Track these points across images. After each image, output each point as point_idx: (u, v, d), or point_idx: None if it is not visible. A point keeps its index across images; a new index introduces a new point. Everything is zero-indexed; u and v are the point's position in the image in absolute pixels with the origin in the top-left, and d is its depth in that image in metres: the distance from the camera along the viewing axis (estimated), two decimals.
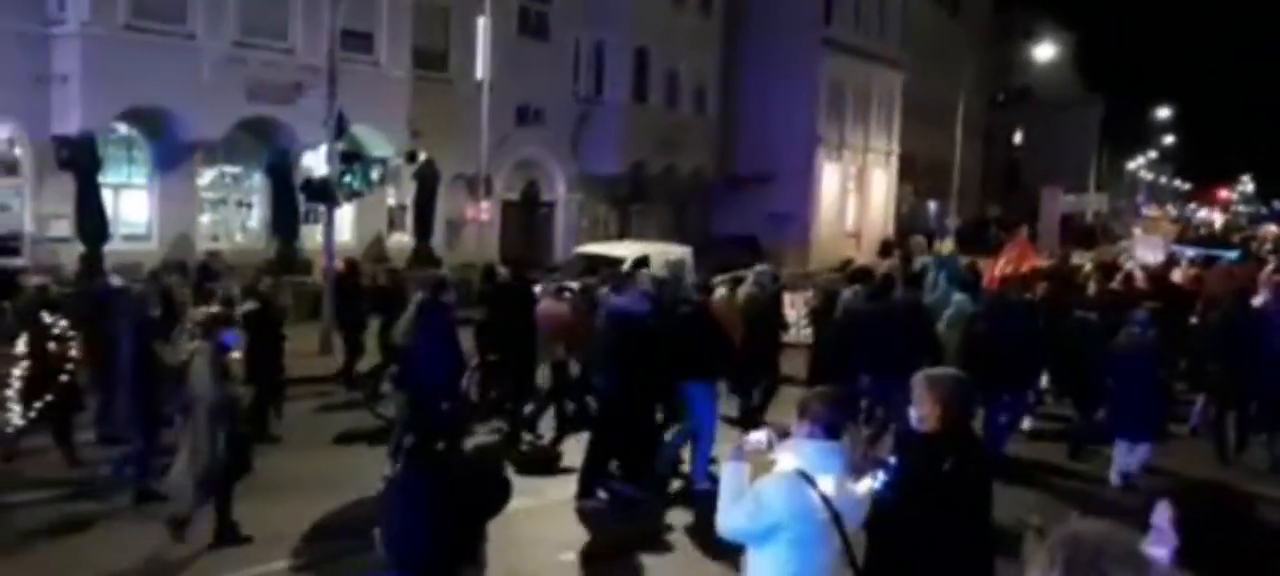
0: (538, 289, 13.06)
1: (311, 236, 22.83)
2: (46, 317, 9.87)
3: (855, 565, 4.36)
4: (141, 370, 9.04)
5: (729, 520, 4.40)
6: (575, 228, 30.40)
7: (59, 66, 19.34)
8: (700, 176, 35.70)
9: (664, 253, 21.63)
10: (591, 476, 9.80)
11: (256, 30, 21.58)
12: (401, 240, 25.64)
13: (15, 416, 9.48)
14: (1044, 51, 51.56)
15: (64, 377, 9.81)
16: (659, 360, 9.73)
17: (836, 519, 4.24)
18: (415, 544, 2.32)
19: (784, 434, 4.62)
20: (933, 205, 48.25)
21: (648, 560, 8.40)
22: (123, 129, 21.04)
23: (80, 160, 19.07)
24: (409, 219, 25.89)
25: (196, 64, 20.16)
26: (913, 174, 45.76)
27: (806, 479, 4.25)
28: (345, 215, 22.63)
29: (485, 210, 25.94)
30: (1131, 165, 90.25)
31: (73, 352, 9.87)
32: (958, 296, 12.99)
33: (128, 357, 9.12)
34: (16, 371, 9.49)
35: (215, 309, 9.05)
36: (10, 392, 9.48)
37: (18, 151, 20.08)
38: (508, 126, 27.28)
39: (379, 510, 2.43)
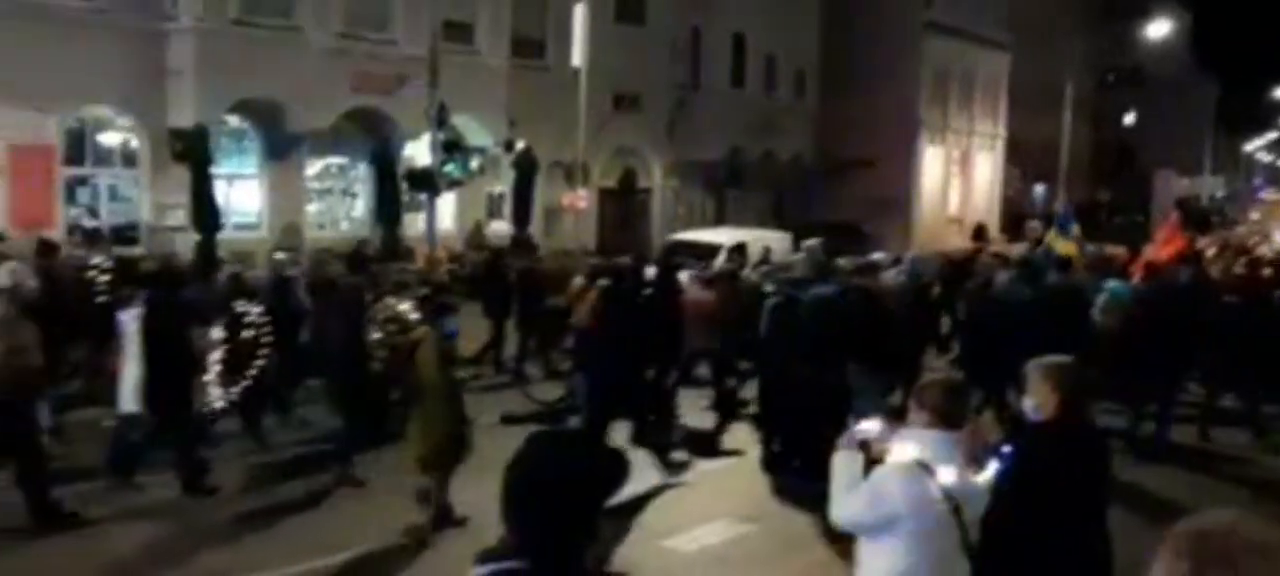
0: (683, 276, 12.98)
1: (413, 224, 23.26)
2: (241, 305, 10.05)
3: (973, 556, 4.24)
4: (353, 357, 9.33)
5: (845, 510, 4.33)
6: (671, 214, 30.37)
7: (174, 61, 20.01)
8: (799, 162, 35.37)
9: (762, 239, 21.48)
10: (780, 464, 9.89)
11: (360, 23, 22.02)
12: (500, 228, 25.92)
13: (216, 399, 9.68)
14: (1157, 29, 49.66)
15: (258, 363, 10.00)
16: (855, 348, 9.55)
17: (957, 510, 4.14)
18: (532, 520, 2.32)
19: (895, 424, 4.54)
20: (1039, 189, 46.98)
21: (751, 548, 8.35)
22: (234, 121, 21.70)
23: (194, 152, 19.70)
24: (507, 207, 26.15)
25: (303, 57, 20.65)
26: (1019, 157, 44.61)
27: (925, 469, 4.15)
28: (446, 203, 22.97)
29: (582, 197, 26.07)
30: (1248, 147, 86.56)
31: (267, 339, 10.05)
32: (1112, 283, 12.61)
33: (340, 345, 9.38)
34: (215, 356, 9.67)
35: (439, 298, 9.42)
36: (212, 376, 9.67)
37: (135, 143, 20.86)
38: (604, 113, 27.35)
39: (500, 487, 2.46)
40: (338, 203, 24.55)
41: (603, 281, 10.66)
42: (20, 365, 8.20)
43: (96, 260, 12.49)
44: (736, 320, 11.54)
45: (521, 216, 25.59)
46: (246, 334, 9.86)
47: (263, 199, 22.50)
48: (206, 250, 19.24)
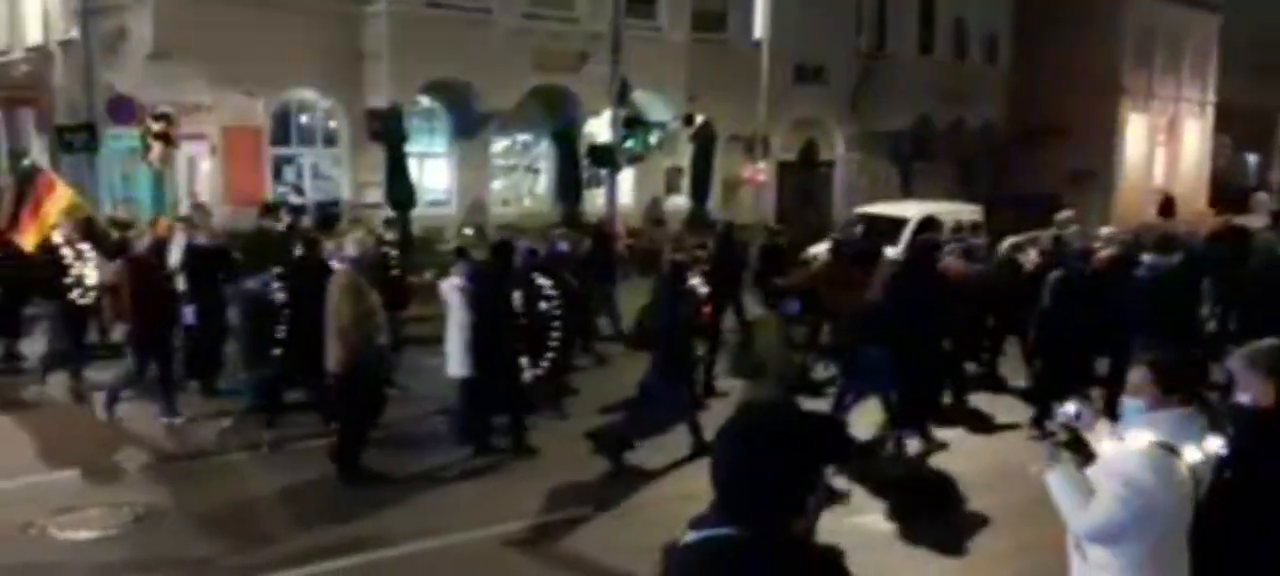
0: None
1: (593, 200, 23.58)
2: (539, 280, 10.39)
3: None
4: (680, 333, 9.60)
5: (1092, 519, 4.01)
6: (855, 187, 29.69)
7: (371, 44, 20.85)
8: (991, 131, 33.93)
9: (951, 212, 20.75)
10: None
11: (544, 2, 22.38)
12: (678, 203, 25.95)
13: (526, 372, 10.09)
14: None
15: (554, 338, 10.37)
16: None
17: (1197, 490, 3.93)
18: (743, 487, 2.30)
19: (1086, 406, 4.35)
20: (1252, 158, 43.64)
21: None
22: (425, 101, 22.45)
23: (389, 131, 20.50)
24: (686, 181, 26.14)
25: (490, 37, 21.14)
26: (1230, 125, 41.50)
27: (1170, 450, 3.92)
28: (625, 178, 23.16)
29: (762, 171, 25.80)
30: None
31: (558, 313, 10.39)
32: None
33: (668, 320, 9.57)
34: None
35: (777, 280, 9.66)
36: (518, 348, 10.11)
37: (334, 124, 21.90)
38: (786, 85, 26.92)
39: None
40: (521, 179, 25.12)
41: (892, 256, 10.62)
42: (370, 330, 8.79)
43: (388, 235, 13.21)
44: (1004, 294, 11.53)
45: (700, 191, 25.54)
46: (542, 308, 10.17)
47: (451, 177, 23.25)
48: (402, 227, 19.97)
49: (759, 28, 24.80)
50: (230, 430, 10.27)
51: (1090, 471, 4.24)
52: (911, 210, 21.05)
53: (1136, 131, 36.98)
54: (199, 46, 18.90)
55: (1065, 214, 13.87)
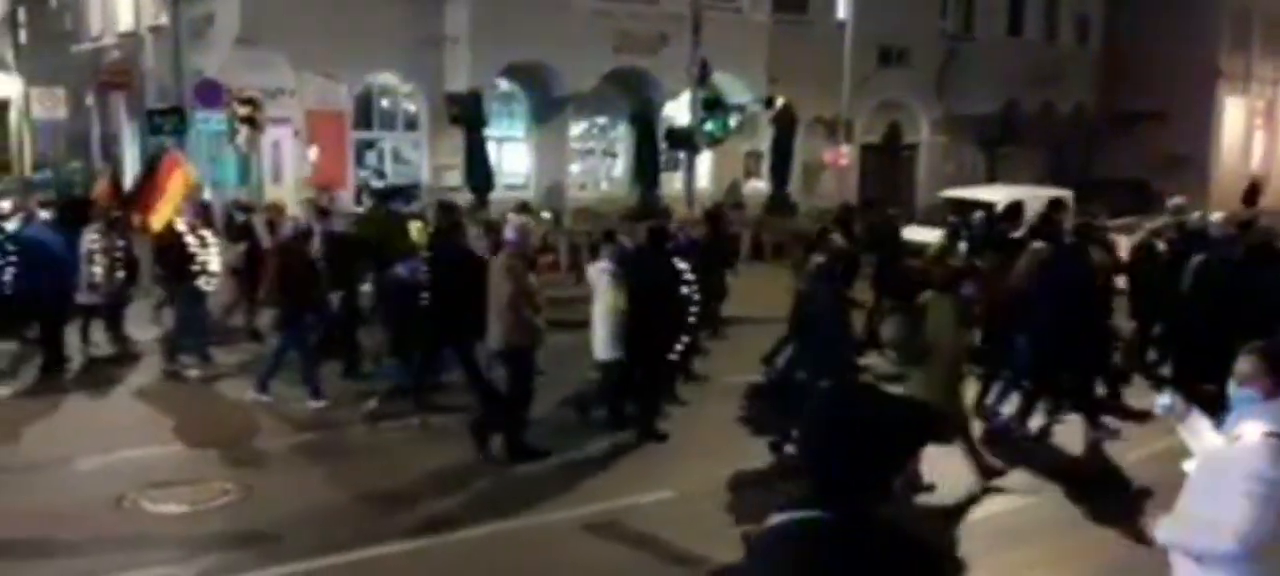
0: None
1: (670, 183, 23.45)
2: (680, 264, 10.31)
3: None
4: (841, 318, 9.59)
5: (1241, 528, 3.72)
6: (939, 171, 29.05)
7: (450, 28, 20.92)
8: (1081, 114, 32.95)
9: (1040, 197, 20.13)
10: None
11: None
12: (757, 186, 25.67)
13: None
14: None
15: (692, 318, 10.32)
16: None
17: None
18: (832, 469, 2.34)
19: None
20: None
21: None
22: (504, 85, 22.49)
23: (468, 115, 20.57)
24: (765, 165, 25.84)
25: (569, 20, 21.06)
26: None
27: None
28: (703, 162, 22.97)
29: (844, 154, 25.39)
30: None
31: (696, 296, 10.33)
32: None
33: (827, 305, 9.50)
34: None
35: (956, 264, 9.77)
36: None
37: (414, 108, 22.07)
38: (869, 67, 26.44)
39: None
40: (598, 163, 25.06)
41: (1037, 245, 10.46)
42: (533, 310, 8.89)
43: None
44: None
45: (780, 174, 25.23)
46: (682, 292, 10.06)
47: (530, 160, 23.26)
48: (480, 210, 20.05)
49: (842, 9, 24.41)
50: (370, 413, 10.28)
51: (1191, 467, 4.10)
52: (998, 195, 20.51)
53: (1233, 115, 35.65)
54: (283, 32, 19.19)
55: (1176, 200, 13.36)
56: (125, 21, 25.78)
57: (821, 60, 24.56)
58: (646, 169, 23.46)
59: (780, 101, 24.67)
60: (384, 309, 11.54)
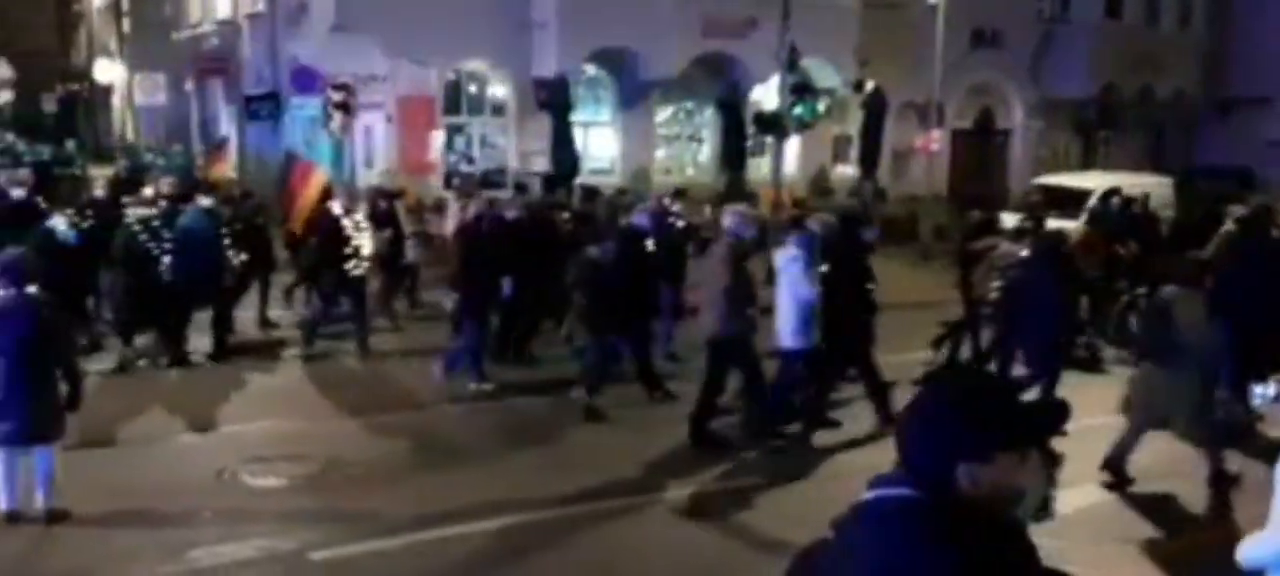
0: None
1: (757, 169, 23.30)
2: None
3: None
4: (1063, 307, 9.55)
5: None
6: (1032, 157, 28.37)
7: (539, 14, 21.05)
8: (1182, 100, 31.84)
9: (1138, 184, 19.55)
10: None
11: None
12: (845, 172, 25.36)
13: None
14: None
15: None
16: None
17: None
18: (929, 448, 2.33)
19: None
20: None
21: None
22: (591, 70, 22.55)
23: (555, 101, 20.68)
24: (854, 150, 25.50)
25: (656, 5, 21.02)
26: None
27: None
28: (790, 147, 22.75)
29: (935, 140, 24.93)
30: None
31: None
32: None
33: (1051, 295, 9.43)
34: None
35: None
36: None
37: (503, 94, 22.25)
38: (961, 51, 25.91)
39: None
40: (684, 148, 25.00)
41: (1230, 226, 10.32)
42: (747, 299, 8.91)
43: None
44: None
45: (869, 160, 24.87)
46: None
47: (616, 145, 23.29)
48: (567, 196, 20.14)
49: None
50: (585, 405, 10.08)
51: None
52: (1094, 182, 19.99)
53: None
54: (376, 19, 19.50)
55: None
56: (224, 9, 26.43)
57: (913, 42, 24.14)
58: (733, 154, 23.35)
59: (870, 85, 24.31)
60: (587, 291, 11.18)
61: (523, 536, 7.32)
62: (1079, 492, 7.98)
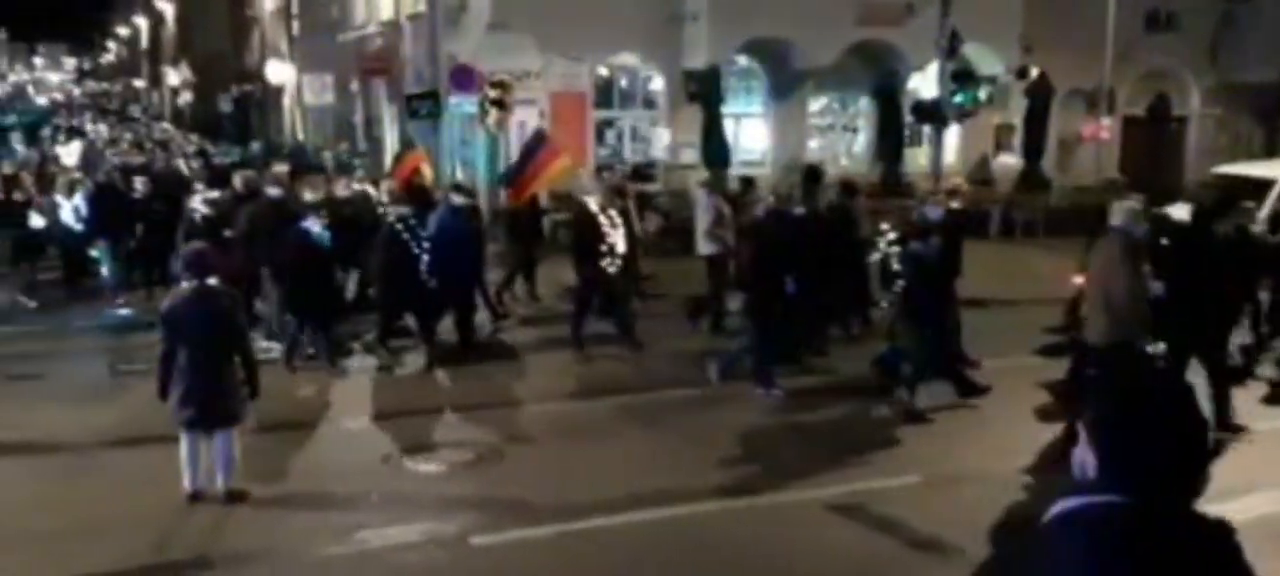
0: None
1: (914, 159, 22.72)
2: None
3: None
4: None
5: None
6: (1212, 145, 26.75)
7: (691, 6, 21.00)
8: None
9: None
10: None
11: None
12: (1007, 161, 24.45)
13: None
14: None
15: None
16: None
17: None
18: (1131, 460, 2.24)
19: None
20: None
21: None
22: (742, 61, 22.39)
23: (706, 92, 20.60)
24: (1017, 139, 24.57)
25: None
26: None
27: None
28: (949, 136, 22.07)
29: (1105, 127, 23.77)
30: None
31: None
32: None
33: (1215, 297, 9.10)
34: None
35: None
36: None
37: (654, 86, 22.33)
38: (1134, 33, 24.58)
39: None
40: (838, 138, 24.58)
41: None
42: (1142, 305, 8.23)
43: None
44: None
45: (1033, 149, 23.92)
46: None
47: (768, 136, 23.06)
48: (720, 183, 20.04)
49: None
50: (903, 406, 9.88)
51: None
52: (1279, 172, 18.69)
53: None
54: (532, 16, 19.81)
55: None
56: (387, 10, 27.34)
57: (1081, 27, 23.01)
58: (889, 144, 22.83)
59: (1035, 71, 23.36)
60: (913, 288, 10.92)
61: (672, 530, 7.32)
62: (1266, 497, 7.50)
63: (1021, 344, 11.75)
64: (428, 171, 16.88)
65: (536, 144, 15.13)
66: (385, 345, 11.45)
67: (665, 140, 22.23)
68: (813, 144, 23.73)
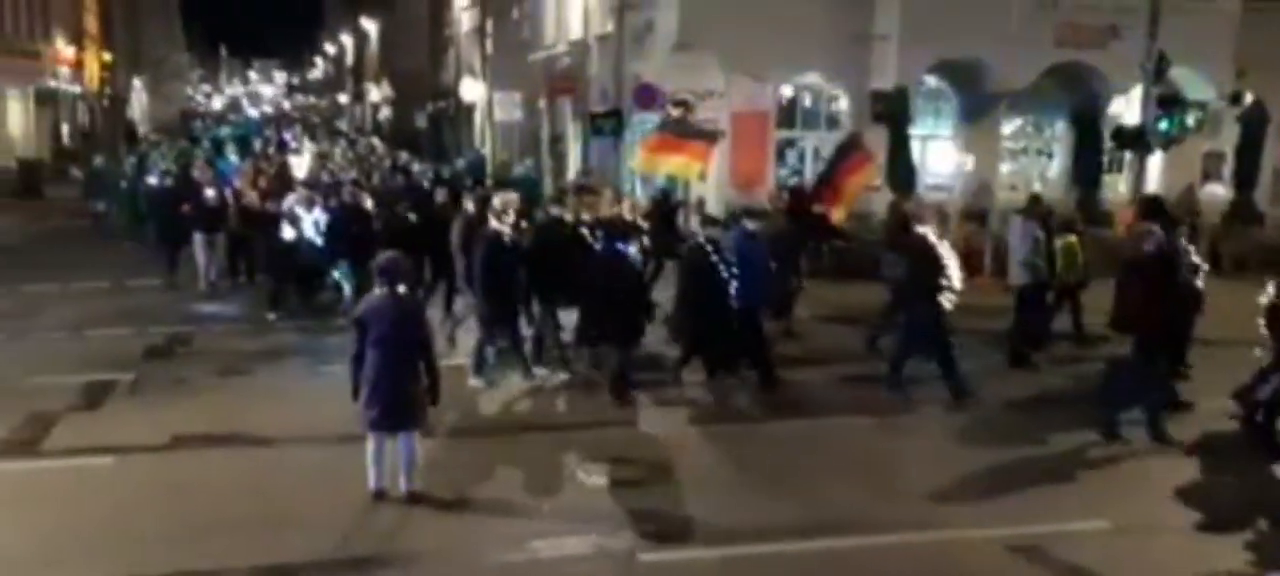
0: None
1: (1113, 186, 21.67)
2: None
3: None
4: None
5: None
6: None
7: (880, 26, 20.65)
8: None
9: None
10: None
11: None
12: (1215, 191, 22.96)
13: None
14: None
15: None
16: None
17: None
18: None
19: None
20: None
21: None
22: (932, 82, 21.87)
23: (894, 113, 20.20)
24: (1227, 168, 23.07)
25: (1008, 13, 20.03)
26: None
27: None
28: (1151, 164, 20.94)
29: None
30: None
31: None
32: None
33: None
34: None
35: None
36: None
37: (838, 106, 22.05)
38: None
39: None
40: (1032, 163, 23.72)
41: None
42: None
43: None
44: None
45: (1246, 179, 22.39)
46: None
47: (955, 159, 22.39)
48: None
49: None
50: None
51: None
52: None
53: None
54: (717, 36, 19.94)
55: None
56: (576, 30, 27.99)
57: None
58: (1087, 170, 21.85)
59: (1249, 97, 21.89)
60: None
61: (843, 562, 7.18)
62: None
63: (1222, 385, 10.98)
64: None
65: (851, 148, 14.76)
66: (678, 374, 11.04)
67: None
68: (1005, 167, 22.98)
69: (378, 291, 7.78)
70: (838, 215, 13.17)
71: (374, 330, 7.61)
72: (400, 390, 7.67)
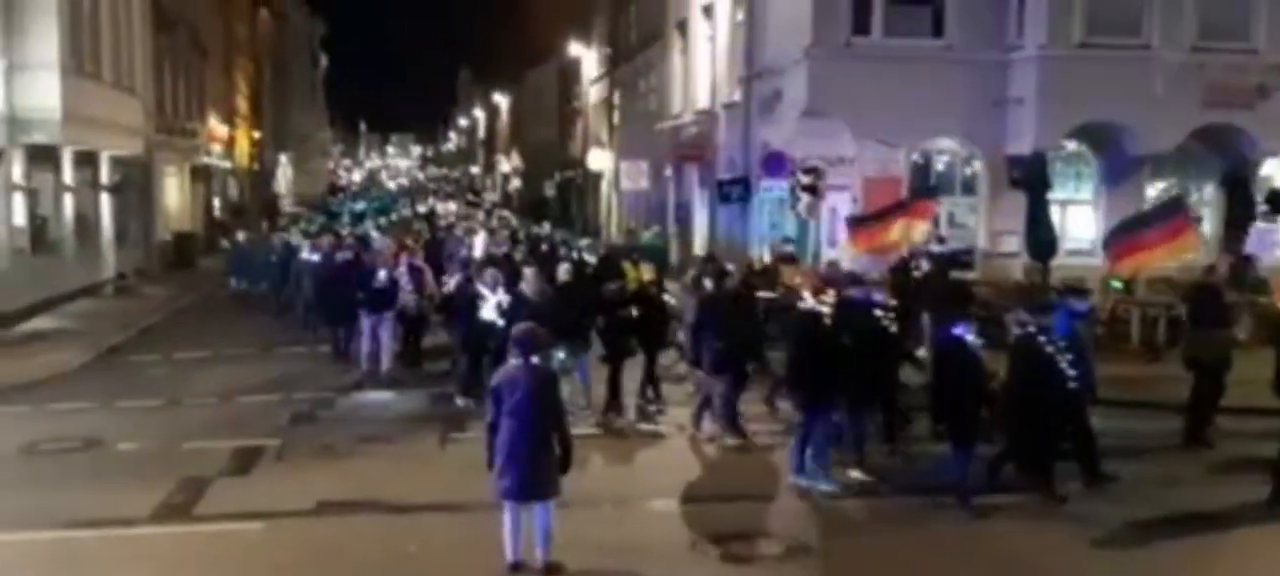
0: None
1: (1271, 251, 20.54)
2: None
3: None
4: None
5: None
6: None
7: (1015, 90, 20.17)
8: None
9: None
10: None
11: (1216, 33, 20.00)
12: None
13: None
14: None
15: None
16: None
17: None
18: None
19: None
20: None
21: None
22: (1071, 146, 21.22)
23: (1031, 179, 19.62)
24: None
25: (1150, 75, 19.37)
26: None
27: None
28: None
29: None
30: None
31: None
32: None
33: None
34: None
35: None
36: None
37: (973, 171, 21.55)
38: None
39: None
40: None
41: None
42: None
43: None
44: None
45: None
46: None
47: (1098, 224, 21.63)
48: (1042, 277, 19.05)
49: None
50: None
51: None
52: None
53: None
54: (847, 103, 19.79)
55: None
56: (703, 100, 28.24)
57: None
58: (1239, 234, 20.76)
59: None
60: None
61: None
62: None
63: None
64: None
65: (1174, 209, 14.63)
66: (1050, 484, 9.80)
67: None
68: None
69: (513, 362, 7.84)
70: (1128, 273, 12.84)
71: (509, 399, 7.66)
72: (536, 459, 7.67)
